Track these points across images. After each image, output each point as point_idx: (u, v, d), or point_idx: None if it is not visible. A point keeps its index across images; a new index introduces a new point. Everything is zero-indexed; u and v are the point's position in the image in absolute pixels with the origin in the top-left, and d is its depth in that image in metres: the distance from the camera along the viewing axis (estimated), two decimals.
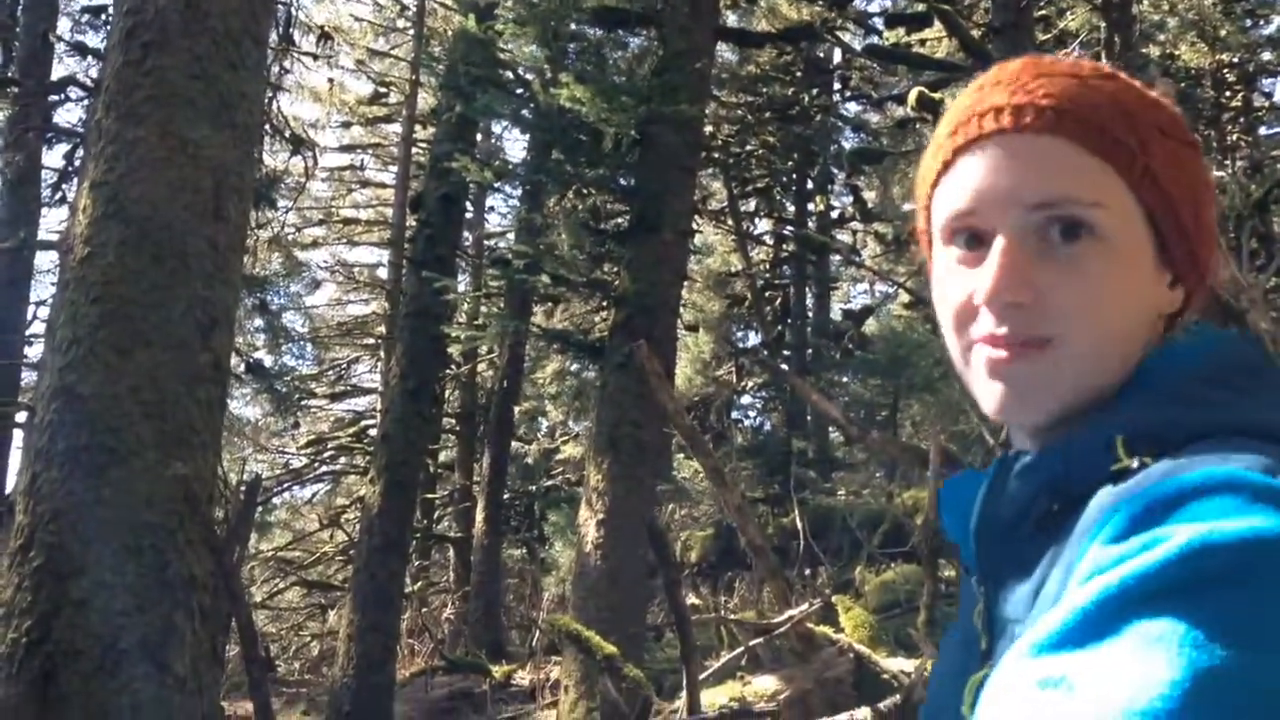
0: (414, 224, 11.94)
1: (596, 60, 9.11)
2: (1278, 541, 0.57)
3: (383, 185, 19.36)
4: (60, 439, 4.08)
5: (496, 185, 12.76)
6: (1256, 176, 10.93)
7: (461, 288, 13.11)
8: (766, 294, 16.14)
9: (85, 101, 11.86)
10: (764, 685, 7.55)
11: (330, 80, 16.87)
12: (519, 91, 9.17)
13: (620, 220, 9.63)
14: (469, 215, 15.66)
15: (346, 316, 20.39)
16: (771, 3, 12.52)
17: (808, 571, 11.27)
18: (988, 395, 0.79)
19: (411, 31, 16.04)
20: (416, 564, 15.38)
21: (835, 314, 17.65)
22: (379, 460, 10.06)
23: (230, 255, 4.63)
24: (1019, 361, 0.77)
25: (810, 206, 16.56)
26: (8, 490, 10.66)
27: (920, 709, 0.96)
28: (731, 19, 12.41)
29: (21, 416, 10.40)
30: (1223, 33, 11.41)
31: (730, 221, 14.73)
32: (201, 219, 4.43)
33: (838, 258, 17.19)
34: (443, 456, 17.36)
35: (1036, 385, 0.77)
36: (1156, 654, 0.54)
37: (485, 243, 17.78)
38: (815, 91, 13.53)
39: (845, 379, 15.85)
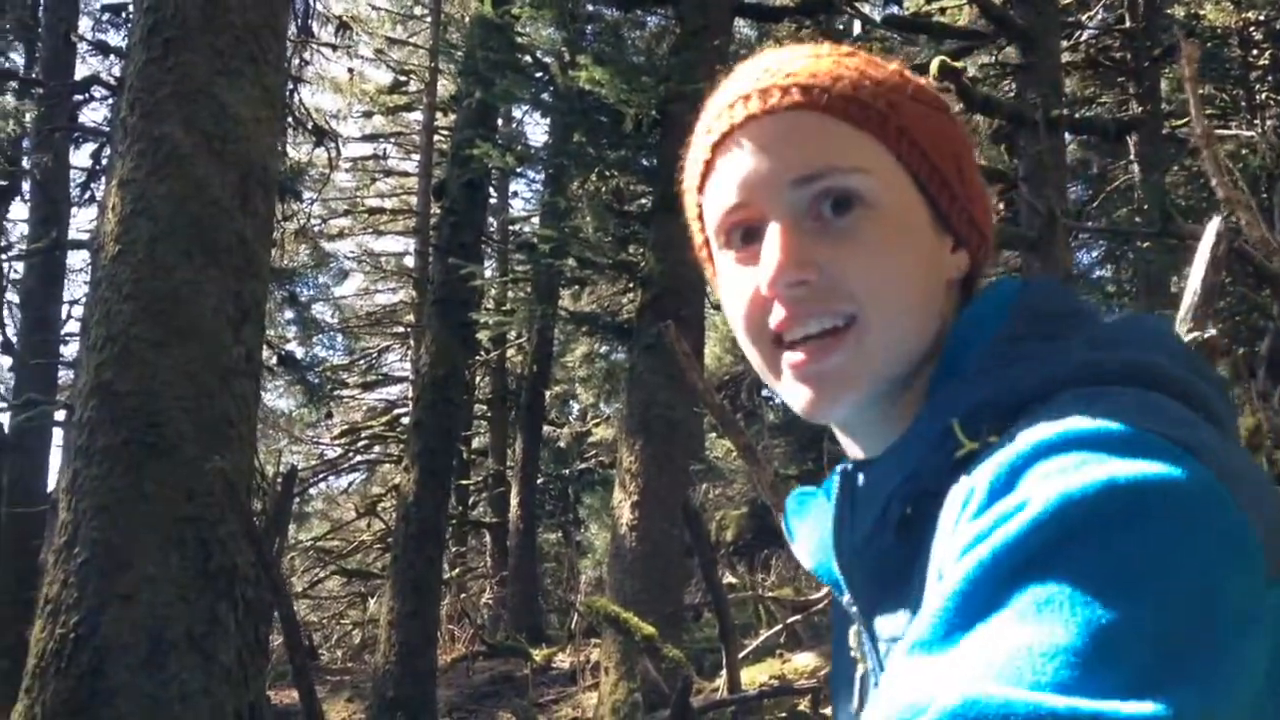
0: (438, 211, 11.96)
1: (614, 41, 9.07)
2: (1131, 485, 0.55)
3: (406, 174, 19.40)
4: (100, 436, 4.13)
5: (519, 170, 12.77)
6: None
7: (488, 273, 13.12)
8: None
9: (110, 100, 11.94)
10: (804, 662, 7.58)
11: (350, 70, 16.92)
12: (538, 75, 9.15)
13: (644, 201, 9.60)
14: (493, 201, 15.67)
15: (375, 306, 20.52)
16: None
17: None
18: (798, 397, 0.77)
19: (429, 19, 16.04)
20: (454, 550, 15.49)
21: None
22: (412, 448, 10.11)
23: (258, 248, 4.66)
24: (822, 355, 0.75)
25: None
26: (50, 488, 10.84)
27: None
28: None
29: (61, 415, 10.53)
30: None
31: None
32: (229, 213, 4.46)
33: None
34: (476, 442, 17.44)
35: (844, 373, 0.75)
36: (1048, 620, 0.52)
37: (510, 228, 17.80)
38: None
39: None
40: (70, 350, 13.24)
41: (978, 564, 0.56)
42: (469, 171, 10.30)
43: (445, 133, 15.33)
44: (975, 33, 9.98)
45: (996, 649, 0.52)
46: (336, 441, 17.92)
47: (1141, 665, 0.50)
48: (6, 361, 13.45)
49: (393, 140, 19.63)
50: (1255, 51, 13.23)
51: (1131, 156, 11.17)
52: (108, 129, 11.90)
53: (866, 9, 12.00)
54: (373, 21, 17.48)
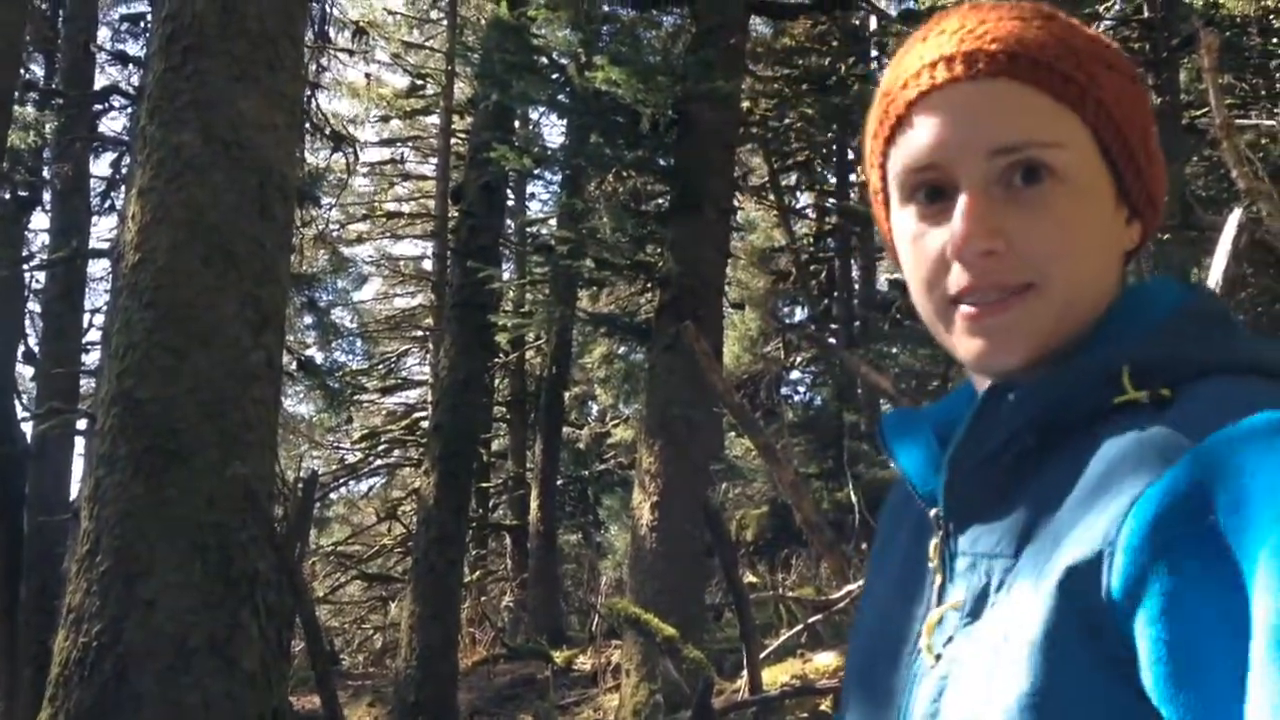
0: (456, 215, 11.97)
1: (630, 41, 9.06)
2: None
3: (424, 177, 19.44)
4: (122, 444, 4.15)
5: (536, 172, 12.78)
6: None
7: (506, 276, 13.11)
8: (811, 268, 16.02)
9: (129, 109, 12.02)
10: (825, 661, 7.54)
11: (367, 75, 16.95)
12: (554, 76, 9.14)
13: (661, 201, 9.59)
14: (510, 203, 15.69)
15: (394, 310, 20.54)
16: None
17: (864, 545, 11.21)
18: (969, 348, 0.79)
19: (445, 22, 16.07)
20: (474, 553, 15.50)
21: (882, 285, 17.46)
22: (432, 452, 10.12)
23: (278, 254, 4.67)
24: (1000, 310, 0.77)
25: (852, 178, 16.40)
26: (73, 497, 10.91)
27: (851, 636, 0.94)
28: None
29: (83, 424, 10.59)
30: None
31: (772, 197, 14.63)
32: (248, 220, 4.48)
33: None
34: (495, 445, 17.45)
35: (1019, 332, 0.77)
36: None
37: (528, 230, 17.78)
38: (852, 60, 13.36)
39: (894, 350, 15.69)
40: (92, 359, 13.35)
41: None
42: (486, 174, 10.31)
43: (462, 136, 15.34)
44: None
45: None
46: (356, 446, 17.96)
47: None
48: (29, 371, 13.57)
49: (410, 144, 19.66)
50: (1275, 40, 13.10)
51: None
52: (127, 138, 11.98)
53: (882, 4, 11.96)
54: (389, 26, 17.52)
